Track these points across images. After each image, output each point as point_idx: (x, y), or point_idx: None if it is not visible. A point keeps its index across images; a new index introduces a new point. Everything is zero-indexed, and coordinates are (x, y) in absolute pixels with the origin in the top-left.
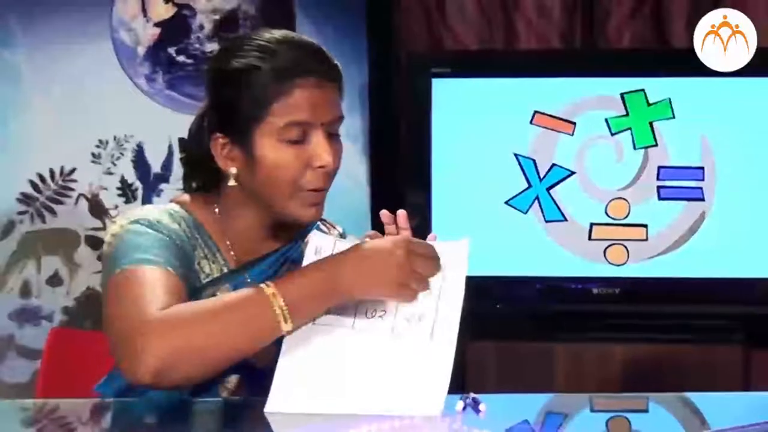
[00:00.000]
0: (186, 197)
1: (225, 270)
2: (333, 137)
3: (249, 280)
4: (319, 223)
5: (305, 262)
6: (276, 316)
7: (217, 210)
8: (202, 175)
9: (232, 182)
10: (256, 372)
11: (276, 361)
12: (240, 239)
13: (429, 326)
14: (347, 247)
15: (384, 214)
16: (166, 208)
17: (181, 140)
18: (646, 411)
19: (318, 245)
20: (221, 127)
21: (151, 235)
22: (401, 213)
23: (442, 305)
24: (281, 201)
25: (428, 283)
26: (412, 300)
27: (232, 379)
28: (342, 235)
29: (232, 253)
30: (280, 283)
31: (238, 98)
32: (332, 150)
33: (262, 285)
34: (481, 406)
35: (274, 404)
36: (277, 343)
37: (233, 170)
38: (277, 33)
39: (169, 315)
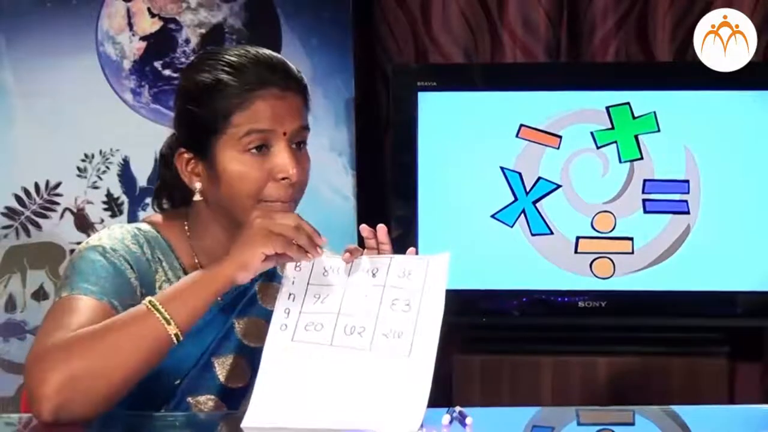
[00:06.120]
0: (158, 216)
1: None
2: (299, 150)
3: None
4: None
5: (285, 279)
6: (157, 321)
7: (187, 228)
8: (173, 194)
9: (197, 197)
10: (231, 392)
11: (250, 382)
12: (210, 258)
13: (408, 343)
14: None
15: (364, 228)
16: (135, 226)
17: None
18: (632, 424)
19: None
20: (186, 142)
21: (98, 264)
22: (381, 227)
23: (420, 321)
24: (244, 214)
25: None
26: (279, 247)
27: (208, 402)
28: None
29: None
30: (159, 294)
31: (201, 112)
32: (296, 161)
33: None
34: (468, 420)
35: (252, 419)
36: (250, 363)
37: (198, 185)
38: (243, 48)
39: (65, 340)
